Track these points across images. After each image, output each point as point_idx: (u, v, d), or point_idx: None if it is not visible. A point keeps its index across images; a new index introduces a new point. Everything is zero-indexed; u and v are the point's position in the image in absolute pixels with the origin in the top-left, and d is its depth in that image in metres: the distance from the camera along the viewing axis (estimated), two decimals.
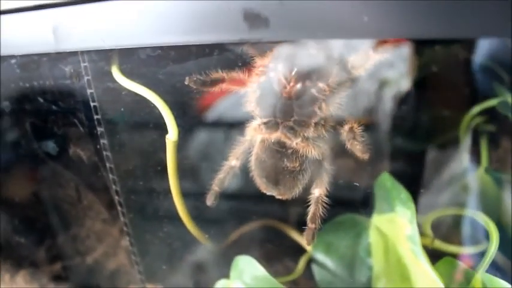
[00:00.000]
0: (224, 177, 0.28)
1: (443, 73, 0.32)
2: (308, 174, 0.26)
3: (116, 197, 0.31)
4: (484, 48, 0.32)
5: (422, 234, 0.36)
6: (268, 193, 0.27)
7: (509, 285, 0.28)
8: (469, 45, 0.29)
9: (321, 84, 0.23)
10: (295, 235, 0.38)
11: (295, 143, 0.25)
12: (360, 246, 0.36)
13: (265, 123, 0.25)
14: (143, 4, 0.23)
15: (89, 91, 0.29)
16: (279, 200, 0.37)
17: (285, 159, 0.25)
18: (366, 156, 0.22)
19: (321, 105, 0.23)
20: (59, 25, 0.26)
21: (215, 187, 0.28)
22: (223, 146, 0.28)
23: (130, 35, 0.24)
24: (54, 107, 0.31)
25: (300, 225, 0.38)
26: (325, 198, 0.26)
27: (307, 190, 0.37)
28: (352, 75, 0.23)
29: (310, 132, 0.24)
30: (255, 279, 0.32)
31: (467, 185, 0.40)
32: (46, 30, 0.26)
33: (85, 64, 0.28)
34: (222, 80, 0.26)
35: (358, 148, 0.23)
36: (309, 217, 0.26)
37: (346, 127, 0.24)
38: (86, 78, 0.28)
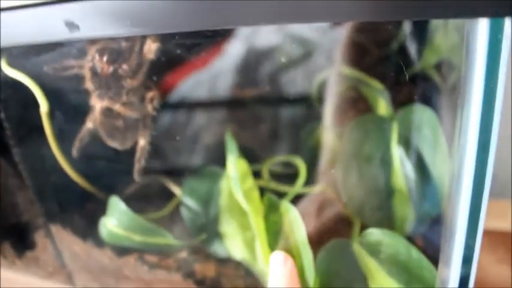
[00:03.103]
0: (83, 136, 0.41)
1: None
2: (133, 129, 0.39)
3: (16, 157, 0.45)
4: None
5: (262, 176, 0.49)
6: (112, 145, 0.41)
7: (296, 211, 0.38)
8: None
9: (124, 66, 0.36)
10: (170, 185, 0.51)
11: (117, 107, 0.38)
12: (215, 189, 0.46)
13: (97, 95, 0.38)
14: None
15: None
16: (162, 160, 0.51)
17: (114, 120, 0.38)
18: (154, 113, 0.36)
19: (126, 81, 0.36)
20: None
21: (77, 143, 0.41)
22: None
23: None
24: None
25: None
26: (147, 145, 0.39)
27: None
28: (145, 59, 0.36)
29: (124, 99, 0.37)
30: (120, 215, 0.45)
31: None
32: None
33: None
34: (72, 67, 0.39)
35: (149, 107, 0.36)
36: (136, 158, 0.39)
37: (150, 94, 0.37)
38: None
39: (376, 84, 0.43)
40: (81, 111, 0.39)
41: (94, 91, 0.37)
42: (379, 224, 0.38)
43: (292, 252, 0.39)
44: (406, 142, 0.38)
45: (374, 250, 0.35)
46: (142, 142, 0.38)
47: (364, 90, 0.45)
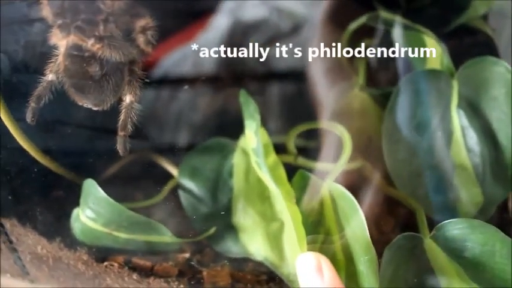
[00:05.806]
0: (42, 93, 0.29)
1: None
2: (114, 79, 0.26)
3: None
4: None
5: (286, 151, 0.38)
6: (84, 104, 0.28)
7: (351, 195, 0.31)
8: None
9: None
10: (165, 163, 0.39)
11: (89, 44, 0.25)
12: (224, 168, 0.38)
13: (58, 27, 0.26)
14: None
15: None
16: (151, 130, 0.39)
17: (85, 64, 0.26)
18: (148, 49, 0.23)
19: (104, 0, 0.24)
20: None
21: (32, 103, 0.29)
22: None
23: None
24: None
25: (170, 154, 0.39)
26: (136, 104, 0.27)
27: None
28: None
29: (101, 30, 0.25)
30: (97, 203, 0.33)
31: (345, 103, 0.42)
32: None
33: None
34: None
35: (141, 40, 0.23)
36: (119, 124, 0.27)
37: (141, 22, 0.25)
38: None
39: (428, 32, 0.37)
40: (38, 54, 0.26)
41: (54, 19, 0.24)
42: (438, 211, 0.34)
43: (338, 253, 0.32)
44: (469, 105, 0.33)
45: (455, 248, 0.29)
46: (129, 98, 0.26)
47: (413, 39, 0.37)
